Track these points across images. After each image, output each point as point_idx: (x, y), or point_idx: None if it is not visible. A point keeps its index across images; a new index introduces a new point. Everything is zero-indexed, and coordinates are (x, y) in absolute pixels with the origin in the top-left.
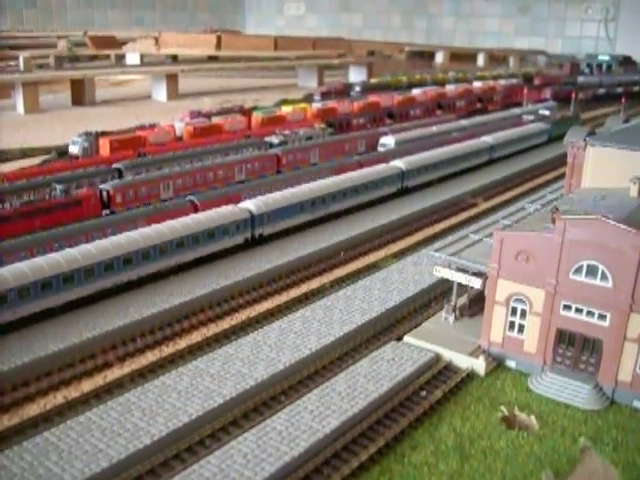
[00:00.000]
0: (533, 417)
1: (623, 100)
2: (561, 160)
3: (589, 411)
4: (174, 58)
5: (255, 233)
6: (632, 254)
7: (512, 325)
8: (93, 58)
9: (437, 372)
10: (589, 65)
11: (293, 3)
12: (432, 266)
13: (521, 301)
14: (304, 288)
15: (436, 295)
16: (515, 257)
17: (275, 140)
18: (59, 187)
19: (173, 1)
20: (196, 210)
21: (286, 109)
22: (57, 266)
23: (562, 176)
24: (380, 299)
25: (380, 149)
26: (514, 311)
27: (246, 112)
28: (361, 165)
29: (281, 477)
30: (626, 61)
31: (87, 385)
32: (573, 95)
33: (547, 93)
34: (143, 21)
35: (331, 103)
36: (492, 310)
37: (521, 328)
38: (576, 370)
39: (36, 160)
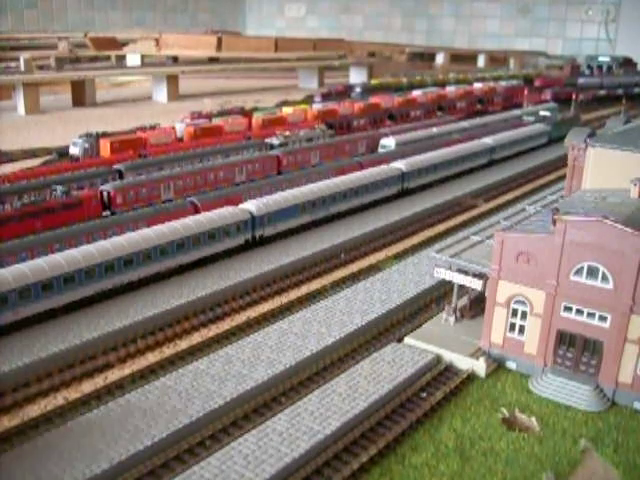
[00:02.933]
0: (534, 418)
1: (624, 101)
2: (562, 161)
3: (590, 412)
4: (175, 59)
5: (256, 234)
6: (633, 255)
7: (513, 326)
8: (94, 59)
9: (437, 373)
10: (589, 66)
11: (294, 4)
12: (433, 267)
13: (522, 302)
14: (304, 289)
15: (437, 296)
16: (516, 258)
17: (275, 141)
18: (60, 188)
19: (174, 2)
20: (197, 211)
21: (286, 110)
22: (58, 267)
23: (562, 177)
24: (380, 300)
25: (380, 150)
26: (515, 312)
27: (247, 113)
28: (361, 166)
29: (281, 478)
30: (626, 62)
31: (88, 386)
32: (573, 96)
33: (547, 94)
34: (144, 22)
35: (331, 104)
36: (493, 311)
37: (522, 329)
38: (577, 371)
39: (37, 161)
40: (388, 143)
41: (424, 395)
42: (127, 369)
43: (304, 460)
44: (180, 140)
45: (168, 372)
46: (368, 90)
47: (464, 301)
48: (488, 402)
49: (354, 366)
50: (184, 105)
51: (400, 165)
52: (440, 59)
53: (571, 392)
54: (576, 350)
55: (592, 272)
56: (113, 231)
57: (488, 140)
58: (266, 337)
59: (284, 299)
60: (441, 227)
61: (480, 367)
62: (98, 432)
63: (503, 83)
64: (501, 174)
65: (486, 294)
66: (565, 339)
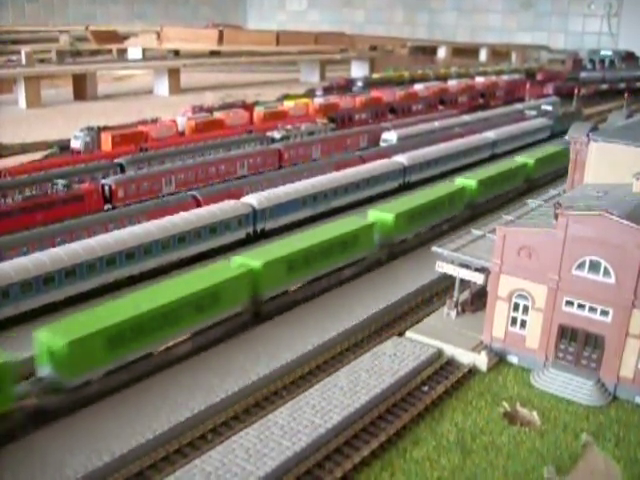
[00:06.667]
0: (535, 413)
1: (626, 95)
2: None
3: (591, 407)
4: (176, 53)
5: (257, 228)
6: (635, 250)
7: (514, 321)
8: (95, 53)
9: (439, 367)
10: (592, 60)
11: None
12: (434, 261)
13: (523, 297)
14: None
15: (438, 291)
16: (517, 253)
17: (277, 135)
18: (61, 182)
19: None
20: (198, 205)
21: (288, 104)
22: (59, 261)
23: (565, 172)
24: (382, 294)
25: (382, 144)
26: (516, 307)
27: (248, 107)
28: (363, 160)
29: (283, 472)
30: (629, 56)
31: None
32: (576, 91)
33: (550, 89)
34: (145, 15)
35: (333, 98)
36: (494, 306)
37: (523, 324)
38: (578, 366)
39: (38, 155)
40: (390, 137)
41: (425, 389)
42: None
43: (305, 454)
44: (181, 134)
45: (169, 366)
46: (370, 84)
47: (466, 295)
48: (489, 396)
49: (355, 360)
50: (185, 99)
51: (402, 159)
52: (442, 53)
53: (572, 386)
54: (578, 344)
55: (594, 267)
56: (114, 225)
57: (490, 134)
58: (267, 331)
59: None
60: None
61: (481, 361)
62: (99, 425)
63: (505, 77)
64: None
65: (488, 288)
66: (567, 333)
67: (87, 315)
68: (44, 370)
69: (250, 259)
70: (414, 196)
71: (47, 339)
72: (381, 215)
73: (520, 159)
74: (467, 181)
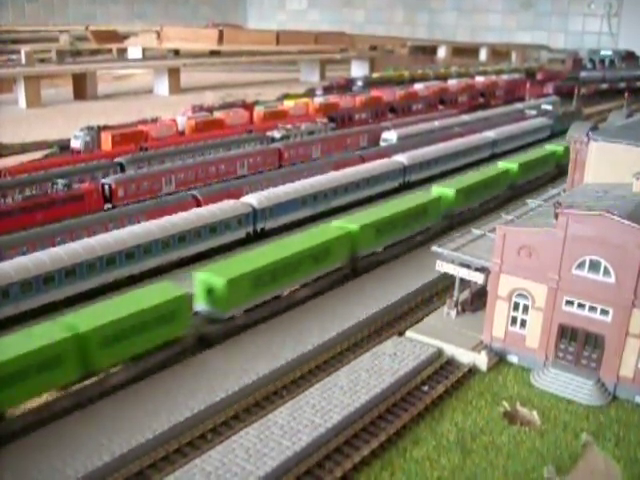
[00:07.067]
0: (535, 412)
1: (626, 95)
2: None
3: (591, 406)
4: (176, 52)
5: (257, 228)
6: (635, 250)
7: (514, 320)
8: (95, 52)
9: (439, 367)
10: (592, 60)
11: None
12: (434, 261)
13: (523, 296)
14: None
15: (438, 290)
16: (517, 252)
17: (277, 135)
18: (61, 181)
19: None
20: (198, 205)
21: (288, 104)
22: (59, 260)
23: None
24: (382, 293)
25: (382, 144)
26: (516, 306)
27: (248, 106)
28: (363, 160)
29: (283, 471)
30: (629, 56)
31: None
32: (576, 90)
33: (549, 88)
34: (145, 15)
35: (333, 98)
36: (494, 305)
37: (523, 323)
38: (578, 365)
39: (38, 154)
40: (390, 136)
41: (425, 389)
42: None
43: (305, 453)
44: (181, 133)
45: (169, 366)
46: (370, 84)
47: (466, 295)
48: (489, 396)
49: (355, 360)
50: (185, 98)
51: (402, 159)
52: (442, 52)
53: (572, 386)
54: (578, 344)
55: (594, 266)
56: (114, 224)
57: (490, 134)
58: (267, 331)
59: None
60: None
61: (481, 361)
62: (100, 425)
63: (505, 77)
64: None
65: (488, 288)
66: (567, 333)
67: (236, 260)
68: (201, 305)
69: (347, 223)
70: (467, 176)
71: (207, 278)
72: (444, 190)
73: (550, 147)
74: (509, 165)
